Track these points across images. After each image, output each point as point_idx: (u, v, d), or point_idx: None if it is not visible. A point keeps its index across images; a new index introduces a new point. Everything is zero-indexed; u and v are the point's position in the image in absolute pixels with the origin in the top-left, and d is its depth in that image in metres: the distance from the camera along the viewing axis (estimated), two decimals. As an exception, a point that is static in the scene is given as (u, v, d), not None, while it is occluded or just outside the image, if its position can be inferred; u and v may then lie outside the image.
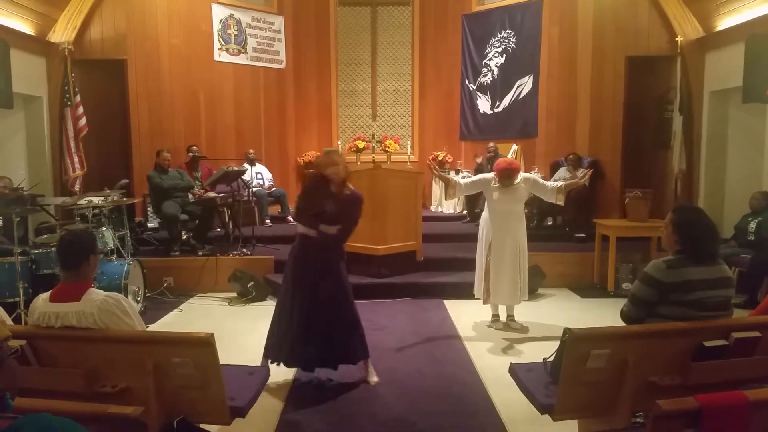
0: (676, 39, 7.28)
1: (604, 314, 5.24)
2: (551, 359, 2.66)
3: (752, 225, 5.79)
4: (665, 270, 2.45)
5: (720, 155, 7.14)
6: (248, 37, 8.57)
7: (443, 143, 9.39)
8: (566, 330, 2.36)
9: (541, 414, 2.47)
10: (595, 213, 7.35)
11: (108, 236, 5.48)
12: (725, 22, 6.67)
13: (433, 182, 8.86)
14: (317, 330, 3.60)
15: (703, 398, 1.71)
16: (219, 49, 8.29)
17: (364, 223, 6.06)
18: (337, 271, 3.69)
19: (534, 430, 3.05)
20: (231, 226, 6.98)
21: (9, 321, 2.61)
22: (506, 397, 3.44)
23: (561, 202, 4.82)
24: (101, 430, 1.90)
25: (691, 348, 2.37)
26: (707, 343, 2.38)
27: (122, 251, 5.76)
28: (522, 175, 4.83)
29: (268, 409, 3.37)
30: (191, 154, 7.29)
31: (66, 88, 7.24)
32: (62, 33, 7.28)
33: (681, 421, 1.68)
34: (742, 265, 5.57)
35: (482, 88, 8.97)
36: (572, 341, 2.27)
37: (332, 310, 3.64)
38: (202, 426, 2.51)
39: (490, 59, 8.82)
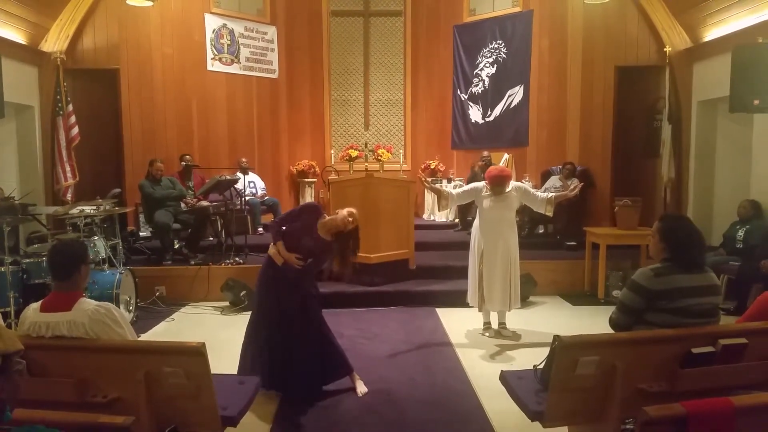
0: (665, 49, 7.38)
1: (594, 321, 5.27)
2: (541, 366, 2.69)
3: (740, 233, 5.86)
4: (652, 278, 2.48)
5: (708, 164, 7.22)
6: (241, 46, 8.61)
7: (435, 152, 9.44)
8: (556, 337, 2.38)
9: (532, 421, 2.49)
10: (586, 221, 7.41)
11: (100, 245, 5.46)
12: (712, 33, 6.77)
13: (426, 191, 8.90)
14: (296, 359, 3.57)
15: (690, 405, 1.73)
16: (212, 59, 8.31)
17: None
18: (308, 296, 3.65)
19: (525, 437, 3.06)
20: (223, 235, 6.97)
21: (0, 321, 2.60)
22: (498, 404, 3.45)
23: (550, 213, 4.86)
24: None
25: (679, 355, 2.40)
26: (695, 350, 2.40)
27: (114, 260, 5.74)
28: (513, 183, 4.87)
29: (259, 418, 3.37)
30: (184, 163, 7.29)
31: (58, 97, 7.24)
32: (54, 42, 7.29)
33: (668, 427, 1.70)
34: (731, 272, 5.62)
35: (474, 98, 9.04)
36: (561, 348, 2.30)
37: (309, 341, 3.61)
38: (194, 435, 2.50)
39: (481, 69, 8.90)
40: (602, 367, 2.33)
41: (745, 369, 2.45)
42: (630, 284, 2.55)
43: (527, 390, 2.62)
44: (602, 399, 2.38)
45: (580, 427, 2.54)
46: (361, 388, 3.75)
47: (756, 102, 5.54)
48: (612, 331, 2.60)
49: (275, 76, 9.05)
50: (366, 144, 9.24)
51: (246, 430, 3.18)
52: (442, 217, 8.76)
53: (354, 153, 8.94)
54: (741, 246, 5.80)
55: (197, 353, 2.32)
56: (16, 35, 6.68)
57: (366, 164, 8.84)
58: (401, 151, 9.47)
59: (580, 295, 6.29)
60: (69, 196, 7.22)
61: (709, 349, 2.42)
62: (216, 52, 8.36)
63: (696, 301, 2.48)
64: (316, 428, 3.31)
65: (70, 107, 7.32)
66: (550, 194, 4.90)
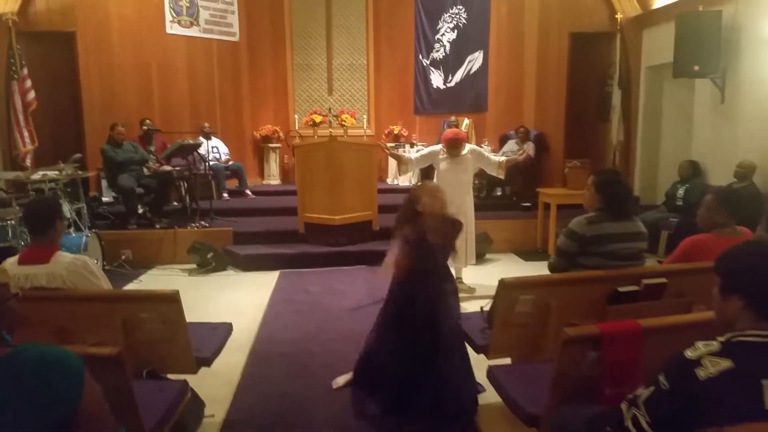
0: (616, 16, 7.66)
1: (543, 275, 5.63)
2: (488, 308, 2.98)
3: (680, 191, 6.28)
4: (586, 225, 2.78)
5: (655, 127, 7.62)
6: (200, 8, 8.48)
7: (398, 117, 9.58)
8: (500, 281, 2.67)
9: (477, 354, 2.79)
10: (541, 183, 7.74)
11: (65, 209, 5.49)
12: (660, 0, 7.07)
13: (389, 156, 9.08)
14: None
15: (603, 326, 2.03)
16: (171, 21, 8.18)
17: (322, 193, 6.33)
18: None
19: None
20: (188, 200, 7.03)
21: None
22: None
23: (502, 176, 5.18)
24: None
25: (606, 293, 2.72)
26: (621, 289, 2.72)
27: (80, 224, 5.79)
28: (469, 146, 5.12)
29: (232, 363, 3.58)
30: (145, 127, 7.27)
31: (12, 60, 7.06)
32: (4, 3, 7.06)
33: (585, 345, 2.00)
34: (671, 228, 6.04)
35: (435, 63, 9.19)
36: (503, 288, 2.58)
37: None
38: (170, 376, 2.71)
39: (443, 35, 9.02)
40: (538, 305, 2.63)
41: (665, 305, 2.78)
42: (566, 231, 2.85)
43: (474, 328, 2.91)
44: (539, 334, 2.69)
45: (520, 359, 2.85)
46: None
47: (696, 68, 5.90)
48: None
49: (236, 39, 8.96)
50: (330, 109, 9.31)
51: (219, 373, 3.39)
52: (405, 181, 8.98)
53: (318, 118, 9.03)
54: (681, 203, 6.21)
55: (172, 300, 2.51)
56: (-35, -5, 6.48)
57: (330, 129, 8.93)
58: (365, 116, 9.58)
59: (532, 252, 6.66)
60: (28, 162, 7.15)
61: (634, 288, 2.74)
62: (175, 15, 8.23)
63: (623, 246, 2.79)
64: (285, 370, 3.56)
65: (25, 71, 7.16)
66: (501, 158, 5.19)
